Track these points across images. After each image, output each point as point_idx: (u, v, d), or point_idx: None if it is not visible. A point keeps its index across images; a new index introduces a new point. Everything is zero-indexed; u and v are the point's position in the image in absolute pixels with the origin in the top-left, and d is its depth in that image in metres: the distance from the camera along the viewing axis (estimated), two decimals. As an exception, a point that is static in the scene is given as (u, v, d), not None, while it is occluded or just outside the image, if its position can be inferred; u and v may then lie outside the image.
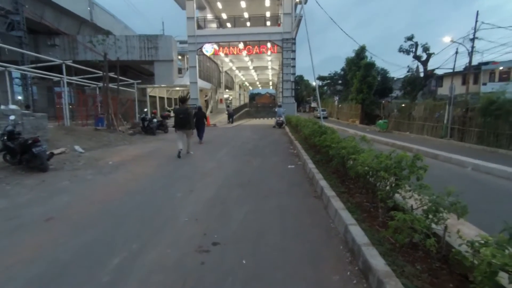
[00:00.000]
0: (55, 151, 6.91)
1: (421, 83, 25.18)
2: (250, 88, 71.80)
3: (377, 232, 2.64)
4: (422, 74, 25.41)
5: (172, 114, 27.09)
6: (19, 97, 19.73)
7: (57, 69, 15.61)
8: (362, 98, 24.77)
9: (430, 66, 24.34)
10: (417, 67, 26.04)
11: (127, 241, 2.99)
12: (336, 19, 16.01)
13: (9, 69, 11.10)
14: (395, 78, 33.21)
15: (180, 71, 32.05)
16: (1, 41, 9.01)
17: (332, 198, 3.55)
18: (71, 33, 25.40)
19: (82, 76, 15.42)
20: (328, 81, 45.31)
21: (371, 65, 24.47)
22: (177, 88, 29.57)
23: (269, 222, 3.43)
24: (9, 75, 13.22)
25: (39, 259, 2.65)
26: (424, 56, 23.76)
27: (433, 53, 23.27)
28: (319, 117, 27.02)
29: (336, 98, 37.65)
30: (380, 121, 19.54)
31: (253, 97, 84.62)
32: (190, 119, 8.10)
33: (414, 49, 23.77)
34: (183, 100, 8.50)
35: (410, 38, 23.48)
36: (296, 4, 23.30)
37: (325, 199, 3.85)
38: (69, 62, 12.27)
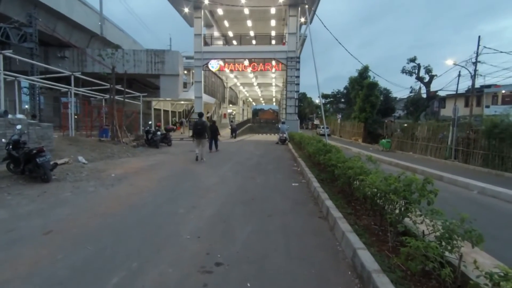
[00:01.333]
0: (59, 161, 6.89)
1: (424, 104, 25.38)
2: (254, 103, 72.50)
3: (387, 258, 2.54)
4: (424, 95, 25.65)
5: (176, 126, 27.38)
6: (26, 106, 19.99)
7: (64, 80, 15.91)
8: (365, 117, 24.92)
9: (432, 88, 24.62)
10: (420, 88, 26.36)
11: (127, 258, 2.90)
12: (339, 39, 16.33)
13: (18, 79, 11.30)
14: (397, 98, 33.53)
15: (185, 85, 32.53)
16: (13, 52, 9.22)
17: (338, 220, 3.46)
18: (81, 46, 26.04)
19: (89, 88, 15.67)
20: (331, 99, 45.83)
21: (374, 84, 24.80)
22: (182, 102, 29.92)
23: (273, 243, 3.33)
24: (18, 84, 13.45)
25: (36, 275, 2.57)
26: (427, 78, 24.08)
27: (436, 75, 23.61)
28: (322, 134, 27.01)
29: (339, 116, 37.83)
30: (383, 140, 19.52)
31: (256, 112, 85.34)
32: (207, 130, 9.78)
33: (416, 71, 24.12)
34: (200, 114, 10.39)
35: (412, 60, 23.89)
36: (301, 24, 23.94)
37: (331, 220, 3.76)
38: (78, 74, 12.50)
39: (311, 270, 2.72)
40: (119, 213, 4.28)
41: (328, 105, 48.68)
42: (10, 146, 6.06)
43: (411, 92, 26.72)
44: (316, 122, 55.10)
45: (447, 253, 2.12)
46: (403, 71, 24.84)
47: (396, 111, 33.07)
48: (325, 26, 11.98)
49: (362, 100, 24.85)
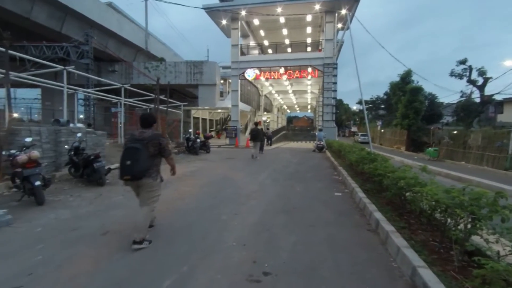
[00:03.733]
0: (111, 167, 7.44)
1: (477, 109, 23.16)
2: (288, 111, 72.25)
3: (454, 280, 2.31)
4: (478, 100, 23.44)
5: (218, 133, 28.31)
6: (81, 116, 22.11)
7: (113, 91, 17.34)
8: (408, 123, 23.42)
9: (487, 92, 22.43)
10: (471, 92, 24.16)
11: (178, 262, 2.99)
12: (377, 44, 15.72)
13: (77, 92, 12.55)
14: (444, 104, 31.11)
15: (221, 94, 33.56)
16: (73, 68, 10.30)
17: (391, 234, 3.24)
18: (129, 60, 28.28)
19: (135, 98, 16.86)
20: (370, 105, 43.97)
21: (418, 89, 23.26)
22: (219, 110, 30.83)
23: (320, 255, 3.21)
24: (76, 96, 15.04)
25: (97, 273, 2.75)
26: (480, 81, 22.02)
27: (491, 78, 21.48)
28: (361, 142, 25.93)
29: (379, 123, 36.08)
30: (430, 148, 18.16)
31: (290, 120, 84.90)
32: (260, 135, 13.31)
33: (468, 73, 22.20)
34: (256, 123, 14.02)
35: (463, 62, 22.08)
36: (337, 30, 23.48)
37: (382, 234, 3.53)
38: (127, 86, 13.52)
39: (364, 286, 2.57)
40: (166, 217, 4.47)
41: (367, 112, 46.81)
42: (72, 152, 6.69)
43: (461, 97, 24.55)
44: (354, 129, 53.20)
45: (531, 279, 1.86)
46: (452, 74, 23.00)
47: (444, 117, 30.54)
48: (367, 30, 11.63)
49: (405, 106, 23.39)
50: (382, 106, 41.89)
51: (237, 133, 22.18)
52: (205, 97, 27.68)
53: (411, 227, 3.55)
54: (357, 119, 56.49)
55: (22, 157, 4.93)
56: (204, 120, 33.09)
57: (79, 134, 7.13)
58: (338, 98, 26.44)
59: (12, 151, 5.41)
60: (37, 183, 4.84)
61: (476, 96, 23.55)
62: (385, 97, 38.52)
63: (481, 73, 21.62)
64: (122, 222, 4.21)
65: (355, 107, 60.97)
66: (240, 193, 6.21)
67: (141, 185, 3.49)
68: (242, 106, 25.52)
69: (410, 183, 3.60)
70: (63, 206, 4.96)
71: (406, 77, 25.15)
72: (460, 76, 22.71)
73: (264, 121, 41.84)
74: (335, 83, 21.36)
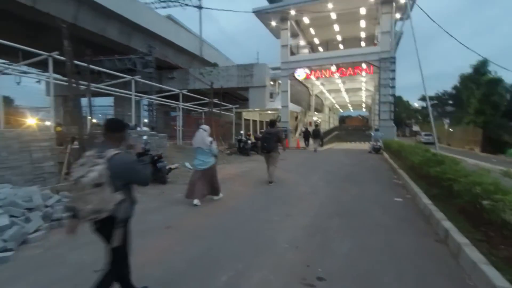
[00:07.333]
0: (172, 166, 8.06)
1: None
2: (340, 110, 69.28)
3: (551, 306, 1.94)
4: None
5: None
6: (145, 120, 24.48)
7: (172, 97, 18.82)
8: (483, 121, 20.46)
9: None
10: None
11: (233, 259, 3.10)
12: (442, 31, 14.01)
13: (143, 99, 13.92)
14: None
15: (271, 95, 33.78)
16: (140, 77, 11.48)
17: (465, 246, 2.86)
18: (185, 67, 30.35)
19: (191, 103, 18.02)
20: (435, 101, 39.62)
21: (497, 81, 20.14)
22: (269, 112, 31.08)
23: (379, 262, 3.01)
24: (141, 102, 16.86)
25: (161, 263, 3.01)
26: None
27: None
28: (425, 143, 23.62)
29: (446, 121, 32.32)
30: (512, 149, 15.60)
31: (343, 119, 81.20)
32: (320, 134, 17.48)
33: None
34: (316, 124, 18.94)
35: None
36: (395, 21, 21.73)
37: (453, 246, 3.15)
38: (185, 91, 14.54)
39: (433, 302, 2.33)
40: (221, 215, 4.67)
41: (431, 109, 42.27)
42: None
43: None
44: (416, 128, 48.61)
45: None
46: (543, 61, 19.43)
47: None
48: (431, 18, 10.54)
49: (480, 100, 20.45)
50: (450, 102, 37.38)
51: (287, 135, 22.06)
52: (255, 99, 28.21)
53: (491, 241, 3.09)
54: (420, 117, 51.40)
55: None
56: (254, 121, 33.68)
57: (145, 137, 7.91)
58: (397, 94, 24.38)
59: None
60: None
61: None
62: (453, 91, 34.29)
63: None
64: (183, 218, 4.55)
65: (417, 104, 55.74)
66: (291, 195, 6.17)
67: (270, 156, 6.97)
68: (292, 106, 25.30)
69: (489, 189, 3.15)
70: (132, 201, 5.54)
71: (481, 67, 21.98)
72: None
73: (315, 122, 40.80)
74: (393, 78, 19.79)
